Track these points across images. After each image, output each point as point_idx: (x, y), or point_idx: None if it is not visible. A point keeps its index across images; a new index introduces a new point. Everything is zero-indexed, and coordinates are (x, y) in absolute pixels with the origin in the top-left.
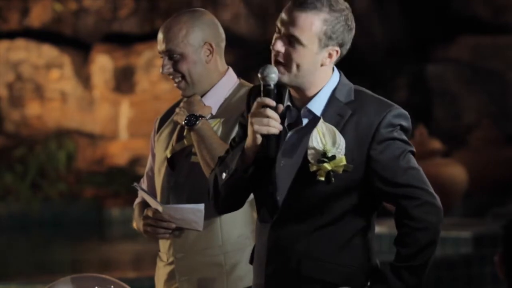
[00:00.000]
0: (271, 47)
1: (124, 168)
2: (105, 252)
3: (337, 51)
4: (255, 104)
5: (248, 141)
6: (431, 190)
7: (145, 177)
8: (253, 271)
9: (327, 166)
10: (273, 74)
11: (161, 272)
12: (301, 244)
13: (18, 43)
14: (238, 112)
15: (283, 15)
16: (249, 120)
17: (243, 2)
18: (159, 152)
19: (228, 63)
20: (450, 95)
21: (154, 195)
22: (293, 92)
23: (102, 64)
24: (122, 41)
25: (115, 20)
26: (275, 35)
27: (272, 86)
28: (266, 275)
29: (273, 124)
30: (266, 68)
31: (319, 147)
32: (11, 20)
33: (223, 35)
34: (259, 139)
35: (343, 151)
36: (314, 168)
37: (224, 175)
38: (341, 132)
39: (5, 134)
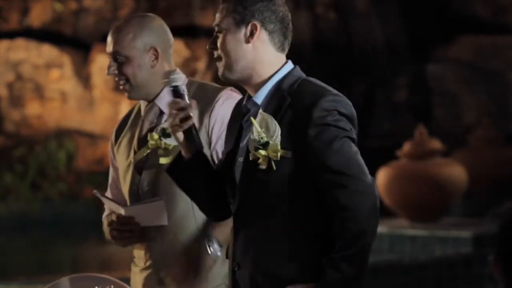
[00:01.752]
0: None
1: None
2: (105, 252)
3: (256, 25)
4: (169, 109)
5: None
6: (363, 176)
7: (108, 191)
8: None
9: (262, 152)
10: (175, 76)
11: (138, 278)
12: (256, 237)
13: (18, 43)
14: None
15: None
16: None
17: None
18: (121, 161)
19: None
20: (450, 95)
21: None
22: (248, 90)
23: (102, 64)
24: None
25: (115, 20)
26: None
27: (178, 85)
28: (233, 270)
29: (184, 116)
30: (168, 74)
31: (255, 136)
32: (11, 20)
33: (172, 41)
34: (181, 138)
35: (279, 138)
36: (251, 156)
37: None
38: (280, 119)
39: (5, 134)
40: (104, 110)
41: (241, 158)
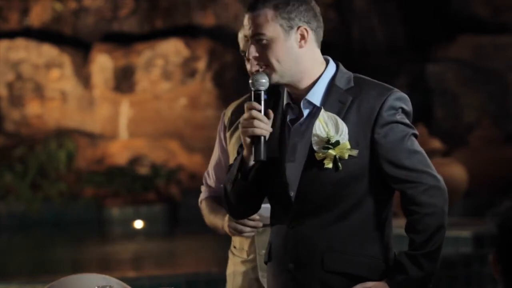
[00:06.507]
0: (246, 58)
1: (124, 167)
2: (105, 252)
3: (306, 29)
4: (245, 109)
5: (244, 147)
6: (435, 172)
7: (212, 173)
8: (270, 270)
9: (332, 152)
10: (263, 80)
11: (239, 268)
12: (321, 238)
13: (18, 43)
14: None
15: (245, 24)
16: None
17: (243, 2)
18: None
19: (228, 63)
20: (450, 95)
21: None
22: (291, 90)
23: (102, 63)
24: (122, 40)
25: (115, 19)
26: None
27: (261, 91)
28: (289, 271)
29: (257, 125)
30: (256, 75)
31: (323, 134)
32: (11, 20)
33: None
34: (248, 141)
35: (347, 137)
36: (320, 155)
37: (229, 185)
38: (344, 118)
39: (5, 133)
40: (104, 110)
41: (291, 158)
